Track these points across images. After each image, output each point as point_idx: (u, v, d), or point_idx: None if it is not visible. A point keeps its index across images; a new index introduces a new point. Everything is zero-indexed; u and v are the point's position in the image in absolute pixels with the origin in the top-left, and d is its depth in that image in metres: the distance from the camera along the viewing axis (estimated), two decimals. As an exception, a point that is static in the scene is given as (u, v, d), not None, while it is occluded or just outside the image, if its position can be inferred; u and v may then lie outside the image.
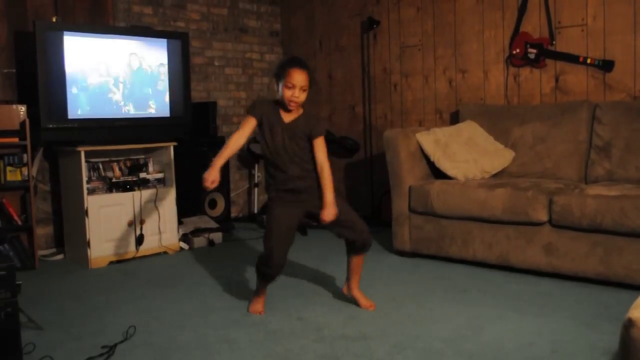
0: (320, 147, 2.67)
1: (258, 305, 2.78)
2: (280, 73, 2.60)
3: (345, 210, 2.69)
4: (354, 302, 2.85)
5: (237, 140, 2.64)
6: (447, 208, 3.50)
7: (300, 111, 2.67)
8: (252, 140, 5.07)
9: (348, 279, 2.87)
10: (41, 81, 3.62)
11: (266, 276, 2.72)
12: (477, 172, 3.69)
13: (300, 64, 2.60)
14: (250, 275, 3.47)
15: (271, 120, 2.64)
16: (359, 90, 5.16)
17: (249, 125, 2.66)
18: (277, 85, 2.63)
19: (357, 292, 2.84)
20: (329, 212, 2.61)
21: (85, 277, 3.56)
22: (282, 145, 2.63)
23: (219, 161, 2.58)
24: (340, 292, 2.96)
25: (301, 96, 2.59)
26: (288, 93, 2.57)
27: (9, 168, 3.74)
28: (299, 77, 2.56)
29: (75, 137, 3.79)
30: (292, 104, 2.59)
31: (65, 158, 3.95)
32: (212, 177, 2.52)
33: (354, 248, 2.76)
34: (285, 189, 2.66)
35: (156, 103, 4.17)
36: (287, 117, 2.65)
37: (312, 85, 2.65)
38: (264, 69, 5.60)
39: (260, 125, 2.67)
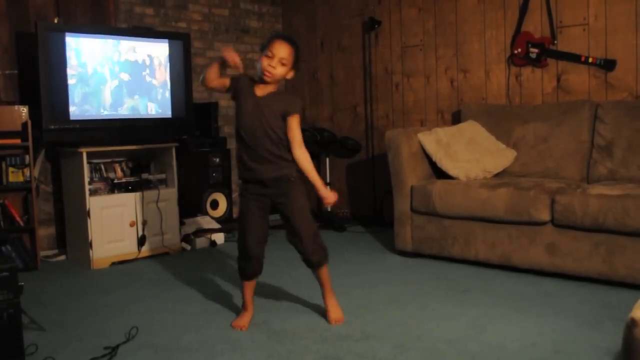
0: (294, 126, 2.47)
1: (242, 320, 2.61)
2: (264, 44, 2.47)
3: (301, 217, 2.53)
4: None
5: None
6: (449, 208, 3.49)
7: (276, 88, 2.51)
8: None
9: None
10: (43, 82, 3.63)
11: (245, 272, 2.59)
12: (479, 171, 3.69)
13: (286, 38, 2.47)
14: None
15: (244, 92, 2.48)
16: (360, 90, 5.16)
17: (223, 80, 2.51)
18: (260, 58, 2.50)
19: (328, 302, 2.66)
20: (328, 201, 2.52)
21: (88, 278, 3.56)
22: (252, 120, 2.45)
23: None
24: (342, 293, 2.95)
25: (278, 68, 2.42)
26: (265, 62, 2.41)
27: (11, 169, 3.75)
28: (279, 48, 2.41)
29: (77, 138, 3.79)
30: (266, 73, 2.41)
31: (67, 159, 3.95)
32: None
33: (303, 260, 2.61)
34: (251, 179, 2.51)
35: (158, 104, 4.18)
36: (260, 91, 2.48)
37: (297, 67, 2.49)
38: (265, 70, 5.59)
39: (235, 97, 2.52)
